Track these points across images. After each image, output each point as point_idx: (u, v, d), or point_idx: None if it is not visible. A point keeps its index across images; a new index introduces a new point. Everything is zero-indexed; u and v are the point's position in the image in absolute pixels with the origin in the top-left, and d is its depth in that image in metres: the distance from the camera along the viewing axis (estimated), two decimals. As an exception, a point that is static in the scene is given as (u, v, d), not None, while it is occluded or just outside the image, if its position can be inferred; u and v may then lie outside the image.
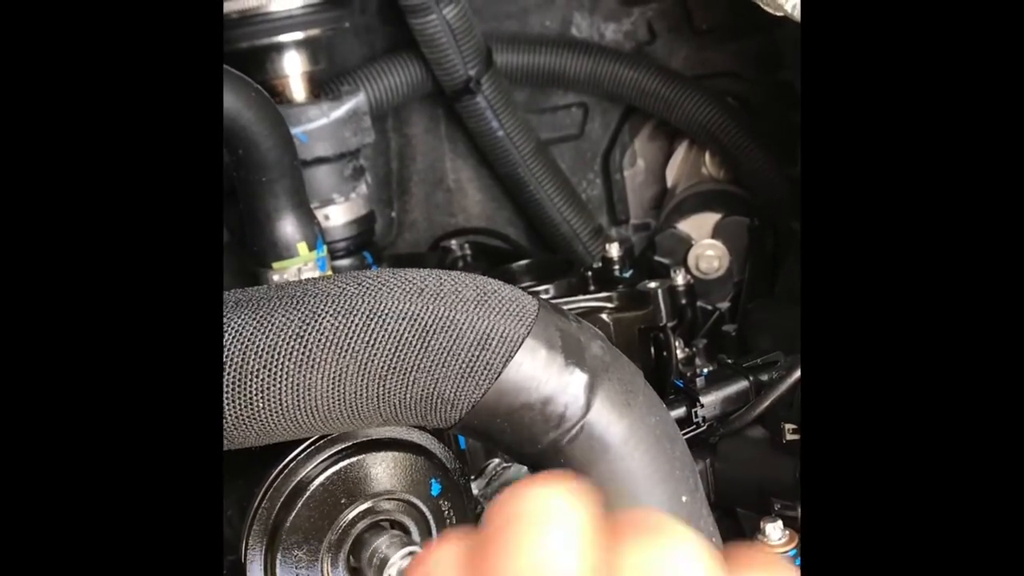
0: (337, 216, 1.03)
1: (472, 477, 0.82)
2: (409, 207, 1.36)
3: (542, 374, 0.57)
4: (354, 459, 0.63)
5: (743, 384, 0.77)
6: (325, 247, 0.88)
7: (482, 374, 0.56)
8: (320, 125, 1.00)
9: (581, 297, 0.98)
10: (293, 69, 0.99)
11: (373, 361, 0.55)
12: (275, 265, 0.85)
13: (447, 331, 0.56)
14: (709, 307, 1.22)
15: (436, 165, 1.35)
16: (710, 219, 1.26)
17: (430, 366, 0.56)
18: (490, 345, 0.56)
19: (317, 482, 0.62)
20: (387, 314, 0.56)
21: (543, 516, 0.29)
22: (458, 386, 0.56)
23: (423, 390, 0.56)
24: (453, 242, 1.26)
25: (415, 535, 0.64)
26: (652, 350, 1.00)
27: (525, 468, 0.91)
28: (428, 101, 1.30)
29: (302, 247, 0.86)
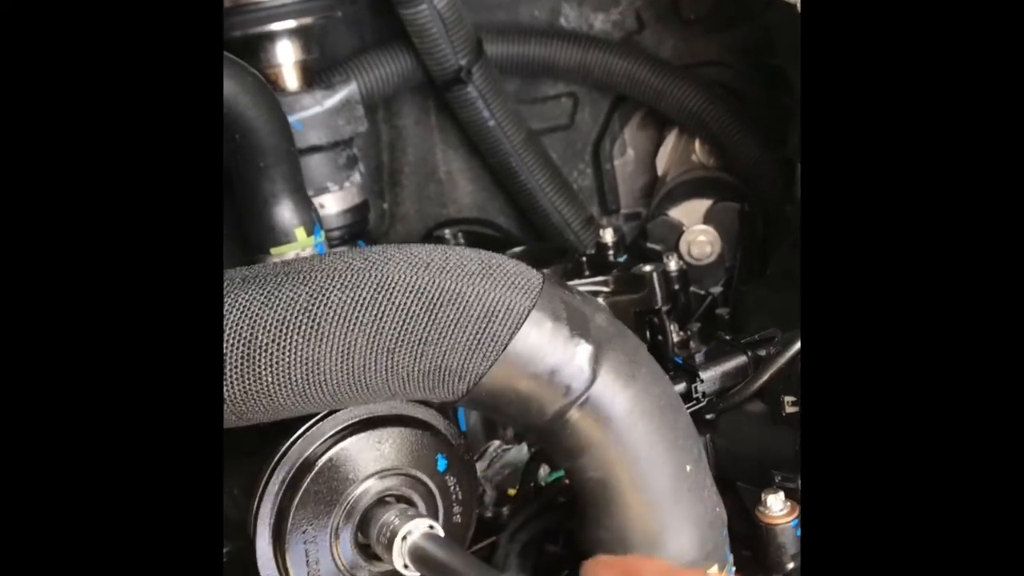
0: (332, 204, 1.03)
1: (475, 459, 0.82)
2: (400, 198, 1.36)
3: (548, 345, 0.57)
4: (361, 435, 0.63)
5: (742, 359, 0.78)
6: (323, 232, 0.89)
7: (489, 346, 0.57)
8: (314, 113, 1.00)
9: (577, 281, 0.98)
10: (286, 58, 0.99)
11: (381, 334, 0.56)
12: (273, 250, 0.85)
13: (454, 304, 0.56)
14: (702, 292, 1.23)
15: (427, 156, 1.35)
16: (701, 205, 1.27)
17: (438, 339, 0.56)
18: (497, 317, 0.57)
19: (324, 458, 0.62)
20: (394, 287, 0.56)
21: None
22: (465, 358, 0.57)
23: (431, 362, 0.57)
24: (447, 231, 1.27)
25: (421, 509, 0.64)
26: (648, 333, 1.00)
27: (525, 450, 0.91)
28: (418, 92, 1.30)
29: (300, 232, 0.86)
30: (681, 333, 1.03)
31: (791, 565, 0.70)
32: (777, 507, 0.69)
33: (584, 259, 1.11)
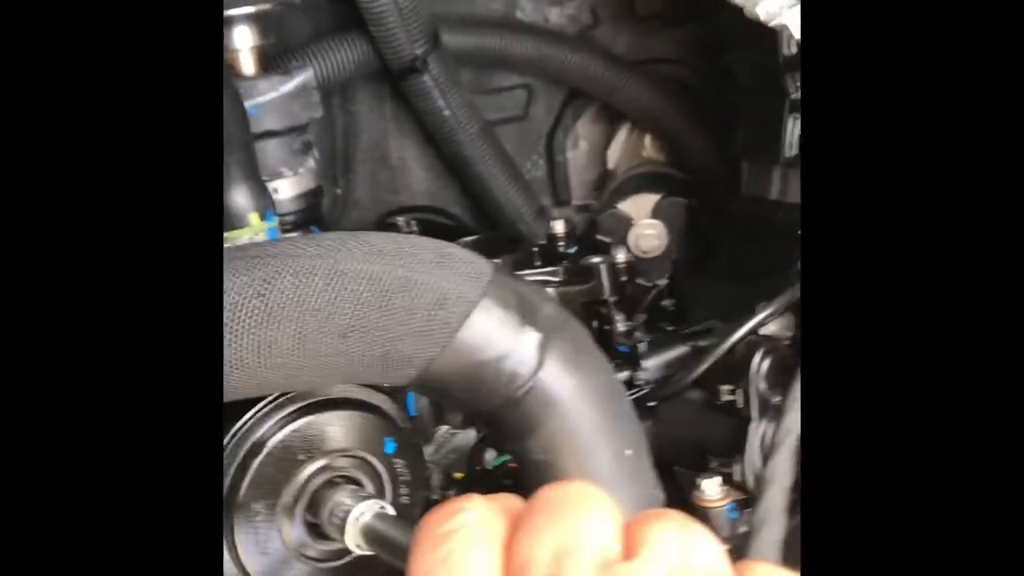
0: (286, 190, 1.03)
1: (423, 443, 0.84)
2: (354, 185, 1.36)
3: (497, 333, 0.59)
4: (311, 417, 0.64)
5: (683, 349, 0.81)
6: (276, 217, 0.89)
7: (439, 332, 0.58)
8: (270, 99, 1.00)
9: (528, 271, 1.01)
10: (243, 43, 1.00)
11: (334, 320, 0.57)
12: (227, 235, 0.86)
13: (406, 291, 0.58)
14: (648, 284, 1.26)
15: (381, 143, 1.36)
16: (650, 200, 1.30)
17: (389, 325, 0.58)
18: (447, 304, 0.58)
19: (275, 440, 0.63)
20: (347, 274, 0.58)
21: (584, 499, 0.33)
22: (416, 344, 0.58)
23: (382, 348, 0.58)
24: (400, 219, 1.28)
25: (370, 491, 0.66)
26: (595, 323, 1.03)
27: (472, 435, 0.93)
28: (374, 79, 1.31)
29: (254, 217, 0.86)
30: (627, 323, 1.06)
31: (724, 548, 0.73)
32: (712, 491, 0.72)
33: (535, 250, 1.14)
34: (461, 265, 0.60)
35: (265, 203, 0.88)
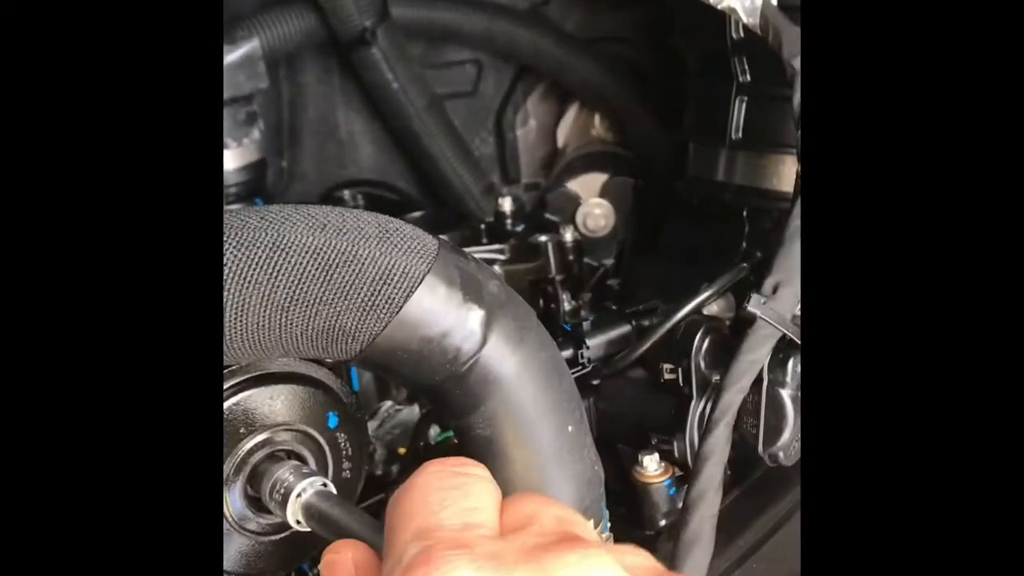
0: (229, 161, 1.02)
1: (366, 418, 0.84)
2: (300, 158, 1.35)
3: (441, 309, 0.59)
4: (252, 391, 0.64)
5: (625, 328, 0.82)
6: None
7: (383, 308, 0.58)
8: (213, 67, 0.98)
9: (475, 248, 1.01)
10: (186, 8, 0.97)
11: (276, 292, 0.57)
12: (167, 205, 0.84)
13: (349, 265, 0.58)
14: (595, 263, 1.27)
15: (328, 116, 1.34)
16: (598, 179, 1.31)
17: (332, 299, 0.57)
18: (392, 280, 0.58)
19: (215, 414, 0.62)
20: (290, 247, 0.57)
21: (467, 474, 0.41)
22: (359, 319, 0.58)
23: (325, 322, 0.58)
24: (346, 192, 1.27)
25: (312, 465, 0.66)
26: (541, 302, 1.04)
27: (416, 411, 0.94)
28: (321, 51, 1.29)
29: (196, 188, 0.85)
30: (573, 302, 1.07)
31: (663, 522, 0.74)
32: (652, 467, 0.74)
33: (483, 227, 1.14)
34: (406, 241, 0.60)
35: (208, 174, 0.86)
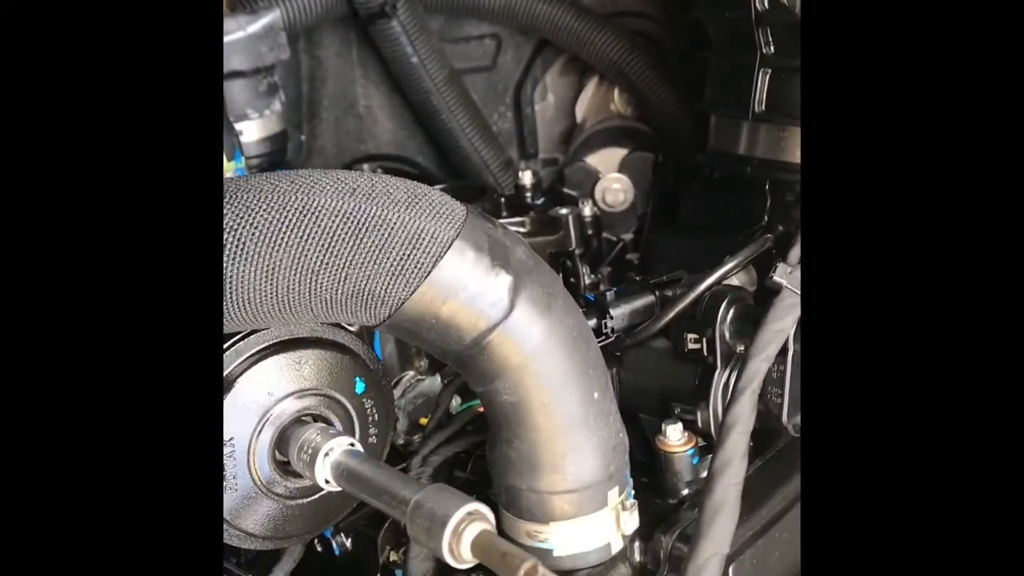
0: (251, 132, 1.02)
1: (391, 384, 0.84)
2: (318, 131, 1.35)
3: (469, 274, 0.59)
4: (281, 355, 0.64)
5: (649, 298, 0.82)
6: (243, 158, 0.88)
7: (412, 272, 0.58)
8: (236, 38, 0.98)
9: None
10: (208, -22, 0.97)
11: (306, 256, 0.57)
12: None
13: (379, 229, 0.58)
14: (614, 238, 1.27)
15: (347, 90, 1.34)
16: (617, 154, 1.30)
17: (362, 263, 0.58)
18: (421, 245, 0.58)
19: (244, 377, 0.63)
20: (320, 211, 0.57)
21: None
22: (389, 283, 0.58)
23: (354, 286, 0.58)
24: (365, 167, 1.27)
25: (339, 429, 0.66)
26: (560, 274, 1.04)
27: (438, 381, 0.94)
28: (341, 24, 1.28)
29: (220, 157, 0.85)
30: (592, 276, 1.07)
31: (685, 491, 0.74)
32: (675, 437, 0.74)
33: (502, 200, 1.14)
34: (435, 206, 0.60)
35: (232, 143, 0.87)
